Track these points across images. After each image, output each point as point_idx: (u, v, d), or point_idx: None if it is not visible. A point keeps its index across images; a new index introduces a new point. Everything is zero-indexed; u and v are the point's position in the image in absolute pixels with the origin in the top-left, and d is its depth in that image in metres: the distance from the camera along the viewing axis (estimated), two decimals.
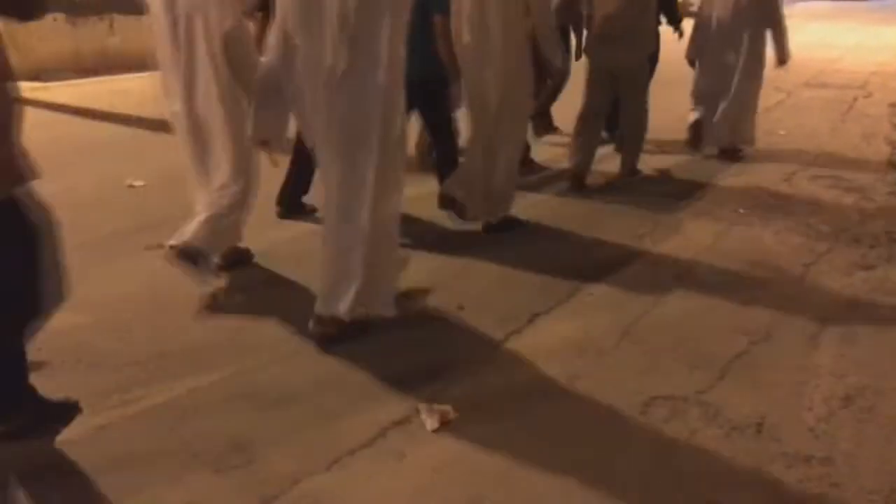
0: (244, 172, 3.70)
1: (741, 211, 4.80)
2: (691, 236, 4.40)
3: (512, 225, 4.44)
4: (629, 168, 5.52)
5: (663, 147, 6.24)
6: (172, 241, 3.54)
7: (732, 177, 5.60)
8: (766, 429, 2.57)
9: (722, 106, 5.95)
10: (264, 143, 3.33)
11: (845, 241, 4.30)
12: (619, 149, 5.78)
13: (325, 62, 2.94)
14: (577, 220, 4.64)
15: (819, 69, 10.43)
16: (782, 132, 7.10)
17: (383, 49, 2.94)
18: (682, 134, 6.19)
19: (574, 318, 3.40)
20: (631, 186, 5.33)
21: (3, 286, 2.35)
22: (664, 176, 5.66)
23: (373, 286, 3.11)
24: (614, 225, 4.56)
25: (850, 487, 2.30)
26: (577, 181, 5.25)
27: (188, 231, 3.54)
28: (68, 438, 2.51)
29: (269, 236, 4.29)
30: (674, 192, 5.20)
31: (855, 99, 8.78)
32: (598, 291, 3.66)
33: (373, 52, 2.93)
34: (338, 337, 3.11)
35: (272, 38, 3.09)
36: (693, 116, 6.11)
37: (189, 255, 3.48)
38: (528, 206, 4.77)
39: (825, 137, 6.87)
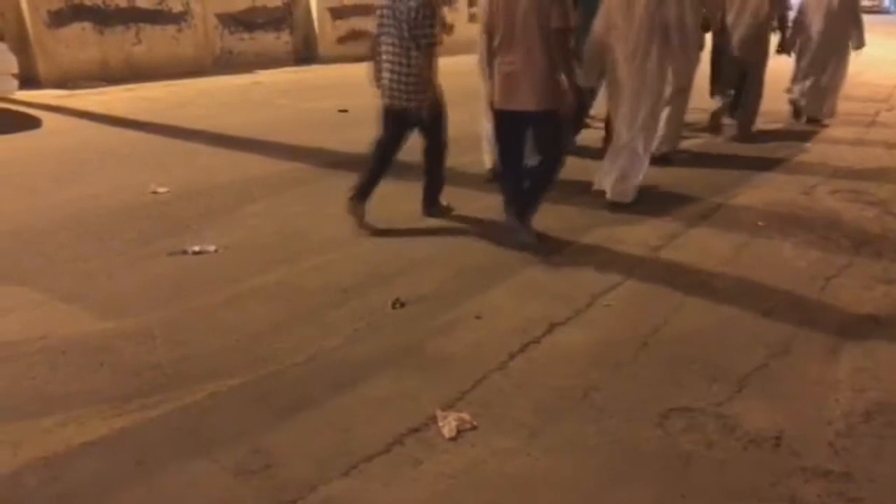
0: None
1: (761, 223, 4.78)
2: (710, 247, 4.39)
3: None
4: (745, 133, 7.18)
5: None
6: None
7: (753, 189, 5.58)
8: (785, 442, 2.56)
9: (811, 85, 7.82)
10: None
11: (866, 254, 4.27)
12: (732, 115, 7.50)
13: (632, 41, 4.79)
14: (597, 230, 4.65)
15: None
16: (806, 145, 7.06)
17: (672, 33, 4.84)
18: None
19: (591, 329, 3.40)
20: (651, 196, 5.32)
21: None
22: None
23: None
24: (631, 235, 4.56)
25: (869, 503, 2.29)
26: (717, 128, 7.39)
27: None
28: (90, 439, 2.55)
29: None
30: (693, 203, 5.19)
31: (877, 112, 8.71)
32: (616, 302, 3.66)
33: (665, 37, 4.83)
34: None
35: (599, 18, 4.92)
36: (791, 96, 8.04)
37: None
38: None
39: (847, 150, 6.82)
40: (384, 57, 4.45)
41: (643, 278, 3.95)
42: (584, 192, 5.38)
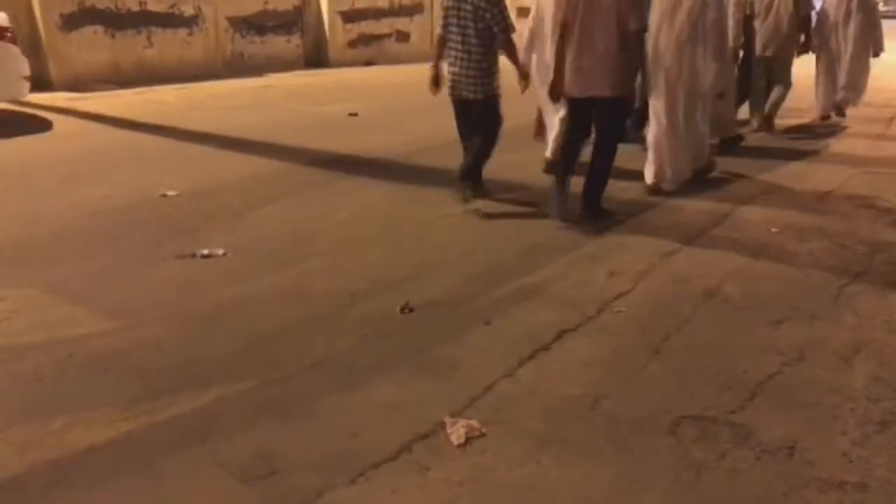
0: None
1: (774, 229, 4.73)
2: (723, 253, 4.34)
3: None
4: (768, 125, 7.74)
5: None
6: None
7: (767, 194, 5.54)
8: (799, 452, 2.52)
9: (839, 81, 8.34)
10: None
11: (881, 262, 4.21)
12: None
13: (678, 41, 5.36)
14: (607, 235, 4.62)
15: None
16: (819, 151, 7.01)
17: (709, 35, 5.52)
18: None
19: (602, 336, 3.36)
20: (663, 198, 5.29)
21: None
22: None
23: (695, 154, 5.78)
24: (643, 242, 4.53)
25: None
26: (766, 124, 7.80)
27: None
28: (96, 442, 2.53)
29: None
30: (706, 208, 5.15)
31: (893, 118, 8.63)
32: (627, 308, 3.62)
33: (702, 36, 5.46)
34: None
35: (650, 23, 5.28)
36: (826, 109, 8.50)
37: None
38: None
39: (862, 156, 6.76)
40: (450, 53, 5.03)
41: (655, 285, 3.92)
42: None
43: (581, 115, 4.87)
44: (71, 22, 10.36)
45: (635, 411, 2.76)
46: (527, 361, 3.11)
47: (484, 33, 4.86)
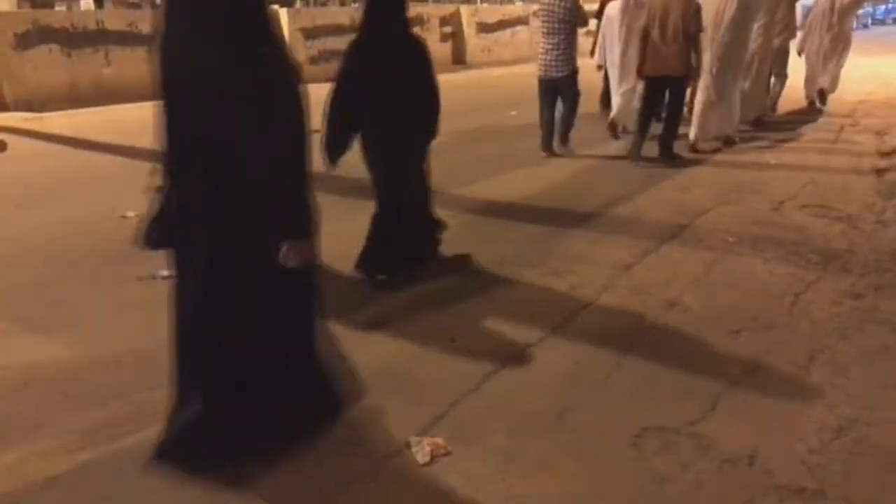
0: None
1: (731, 240, 4.83)
2: (682, 264, 4.42)
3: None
4: (757, 118, 9.00)
5: None
6: None
7: (722, 205, 5.65)
8: (759, 461, 2.56)
9: (820, 78, 10.15)
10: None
11: (834, 270, 4.32)
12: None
13: (724, 39, 7.27)
14: (569, 248, 4.67)
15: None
16: (772, 161, 7.17)
17: (749, 32, 7.63)
18: None
19: (565, 349, 3.39)
20: (625, 209, 5.37)
21: None
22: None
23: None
24: (603, 253, 4.59)
25: None
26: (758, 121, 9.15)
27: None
28: (54, 474, 2.48)
29: None
30: (665, 220, 5.23)
31: (842, 128, 8.88)
32: (590, 321, 3.67)
33: (744, 35, 7.51)
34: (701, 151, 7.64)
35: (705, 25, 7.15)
36: (811, 96, 10.36)
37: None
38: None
39: (813, 166, 6.93)
40: (542, 43, 7.12)
41: (616, 296, 3.96)
42: (552, 214, 5.43)
43: (656, 90, 7.01)
44: (25, 41, 10.19)
45: (599, 424, 2.78)
46: (491, 376, 3.13)
47: (568, 29, 6.94)
